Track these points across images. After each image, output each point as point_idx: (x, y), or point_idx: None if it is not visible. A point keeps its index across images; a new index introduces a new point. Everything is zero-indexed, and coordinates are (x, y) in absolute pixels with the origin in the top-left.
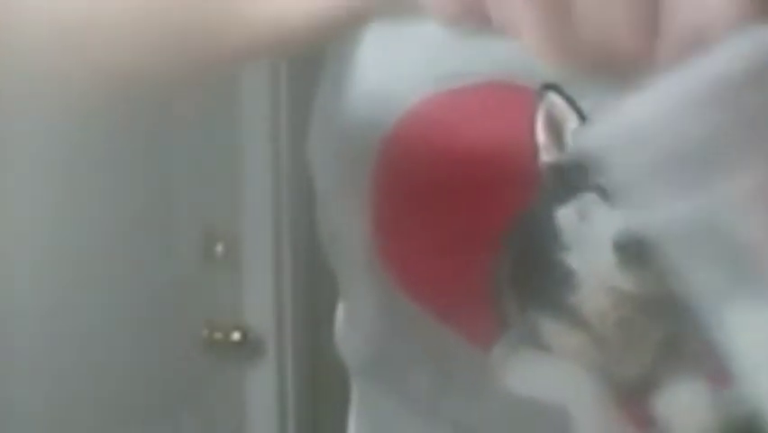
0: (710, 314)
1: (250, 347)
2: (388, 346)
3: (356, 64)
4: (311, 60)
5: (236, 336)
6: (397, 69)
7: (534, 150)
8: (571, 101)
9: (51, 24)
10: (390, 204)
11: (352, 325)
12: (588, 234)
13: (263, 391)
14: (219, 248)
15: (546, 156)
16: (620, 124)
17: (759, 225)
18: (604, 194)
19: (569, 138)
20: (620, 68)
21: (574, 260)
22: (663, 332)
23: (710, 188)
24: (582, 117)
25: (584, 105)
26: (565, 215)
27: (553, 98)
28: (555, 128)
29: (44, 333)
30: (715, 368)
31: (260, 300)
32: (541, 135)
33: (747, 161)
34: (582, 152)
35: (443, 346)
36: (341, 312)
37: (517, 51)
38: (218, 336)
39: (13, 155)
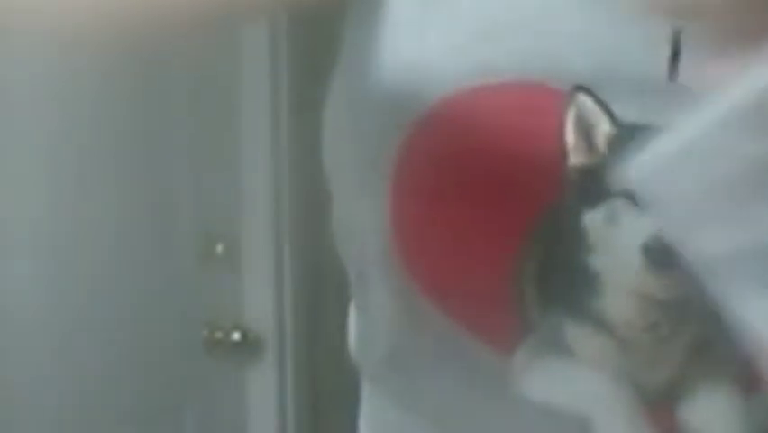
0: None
1: (250, 347)
2: (404, 349)
3: (381, 45)
4: (313, 60)
5: (236, 336)
6: (426, 57)
7: (562, 151)
8: (602, 104)
9: None
10: (411, 200)
11: (367, 327)
12: (616, 238)
13: (263, 391)
14: (219, 248)
15: (575, 158)
16: (670, 147)
17: None
18: (633, 199)
19: (599, 141)
20: None
21: (600, 263)
22: (691, 337)
23: None
24: (614, 120)
25: (616, 108)
26: (592, 218)
27: (585, 100)
28: (585, 130)
29: (44, 333)
30: (744, 373)
31: (260, 300)
32: (570, 137)
33: None
34: (633, 183)
35: (462, 350)
36: (353, 315)
37: (551, 51)
38: (218, 336)
39: (14, 155)
